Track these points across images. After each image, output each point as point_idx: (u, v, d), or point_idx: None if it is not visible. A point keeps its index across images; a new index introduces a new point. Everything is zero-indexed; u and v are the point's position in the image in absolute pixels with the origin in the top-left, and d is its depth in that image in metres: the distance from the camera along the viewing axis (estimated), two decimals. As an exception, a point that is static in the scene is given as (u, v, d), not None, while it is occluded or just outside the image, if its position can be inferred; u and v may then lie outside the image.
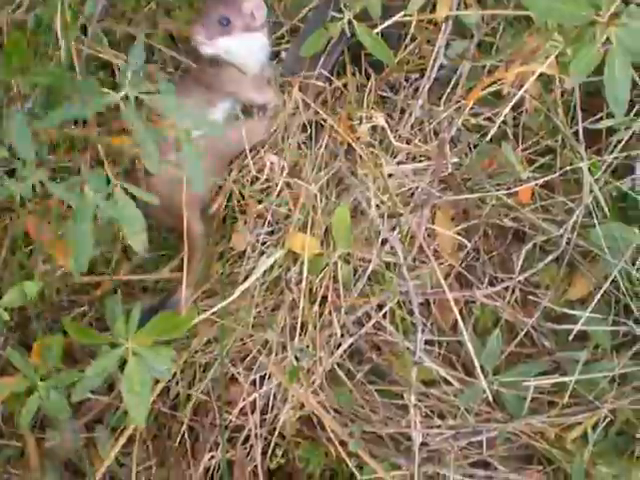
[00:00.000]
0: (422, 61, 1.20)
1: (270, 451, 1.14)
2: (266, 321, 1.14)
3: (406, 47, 1.20)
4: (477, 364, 1.07)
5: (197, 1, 1.32)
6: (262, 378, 1.13)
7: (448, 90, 1.17)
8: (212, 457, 1.13)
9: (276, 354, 1.13)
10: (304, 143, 1.19)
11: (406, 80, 1.21)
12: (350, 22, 1.11)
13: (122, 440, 1.09)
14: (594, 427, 1.07)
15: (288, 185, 1.16)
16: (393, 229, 1.13)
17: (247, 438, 1.13)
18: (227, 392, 1.13)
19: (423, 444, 1.09)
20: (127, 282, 1.20)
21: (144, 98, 0.88)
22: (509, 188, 1.13)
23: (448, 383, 1.12)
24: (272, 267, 1.13)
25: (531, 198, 1.14)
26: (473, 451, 1.11)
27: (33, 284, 1.01)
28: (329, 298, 1.12)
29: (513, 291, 1.14)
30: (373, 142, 1.16)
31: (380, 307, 1.13)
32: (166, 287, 1.20)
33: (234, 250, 1.17)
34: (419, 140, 1.18)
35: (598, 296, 1.07)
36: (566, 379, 1.07)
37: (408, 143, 1.18)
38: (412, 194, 1.16)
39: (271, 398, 1.13)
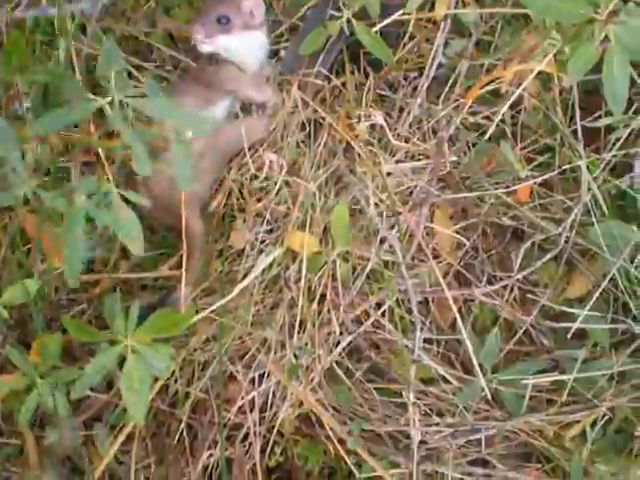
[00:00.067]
0: (421, 60, 1.21)
1: (269, 449, 1.14)
2: (265, 319, 1.14)
3: (405, 46, 1.20)
4: (476, 362, 1.07)
5: (196, 0, 1.32)
6: (261, 376, 1.13)
7: (447, 89, 1.18)
8: (211, 455, 1.13)
9: (275, 352, 1.13)
10: (303, 141, 1.19)
11: (405, 79, 1.22)
12: (349, 21, 1.11)
13: (121, 438, 1.09)
14: (593, 425, 1.07)
15: (287, 183, 1.16)
16: (392, 227, 1.13)
17: (246, 436, 1.13)
18: (226, 390, 1.13)
19: (422, 442, 1.09)
20: (126, 280, 1.20)
21: (130, 102, 0.86)
22: (508, 187, 1.13)
23: (447, 381, 1.12)
24: (271, 265, 1.14)
25: (530, 196, 1.14)
26: (472, 449, 1.11)
27: (32, 282, 1.01)
28: (328, 296, 1.12)
29: (512, 289, 1.14)
30: (372, 140, 1.17)
31: (379, 305, 1.13)
32: (165, 285, 1.21)
33: (233, 248, 1.18)
34: (418, 139, 1.18)
35: (597, 294, 1.07)
36: (565, 377, 1.07)
37: (407, 142, 1.18)
38: (411, 192, 1.16)
39: (270, 396, 1.13)
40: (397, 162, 1.17)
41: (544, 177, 1.12)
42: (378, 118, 1.16)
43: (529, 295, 1.14)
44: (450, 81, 1.18)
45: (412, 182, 1.16)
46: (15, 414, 1.03)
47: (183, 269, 1.10)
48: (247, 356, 1.14)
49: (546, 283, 1.15)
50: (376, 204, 1.13)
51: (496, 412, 1.11)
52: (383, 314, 1.13)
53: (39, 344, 1.03)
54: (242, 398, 1.12)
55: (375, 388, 1.14)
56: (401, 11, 1.12)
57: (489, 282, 1.15)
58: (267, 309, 1.15)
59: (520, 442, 1.11)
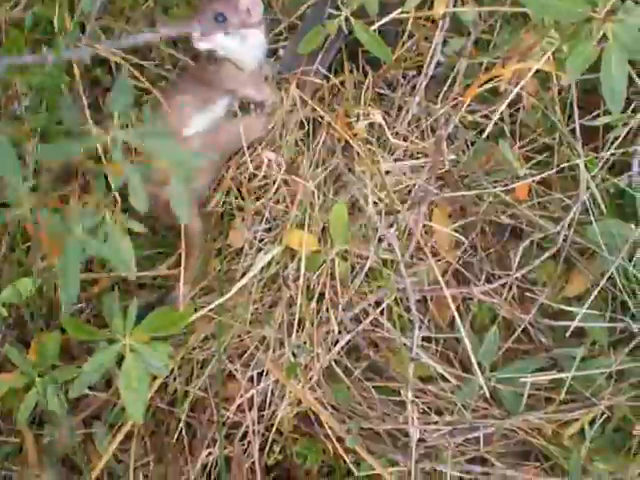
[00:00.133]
0: (419, 58, 1.21)
1: (268, 447, 1.14)
2: (263, 318, 1.14)
3: (403, 44, 1.20)
4: (474, 361, 1.07)
5: (195, -1, 1.32)
6: (259, 375, 1.13)
7: (445, 87, 1.18)
8: (210, 453, 1.13)
9: (274, 351, 1.13)
10: (301, 140, 1.19)
11: (403, 77, 1.22)
12: (347, 19, 1.11)
13: (120, 436, 1.09)
14: (591, 423, 1.07)
15: (286, 182, 1.16)
16: (390, 226, 1.13)
17: (245, 434, 1.13)
18: (224, 389, 1.13)
19: (420, 440, 1.09)
20: (124, 279, 1.20)
21: (131, 141, 0.86)
22: (506, 185, 1.13)
23: (445, 380, 1.12)
24: (270, 264, 1.14)
25: (528, 195, 1.14)
26: (470, 447, 1.11)
27: (30, 281, 1.01)
28: (326, 295, 1.12)
29: (510, 288, 1.14)
30: (370, 139, 1.17)
31: (377, 304, 1.13)
32: (164, 284, 1.21)
33: (232, 247, 1.18)
34: (416, 137, 1.18)
35: (595, 293, 1.08)
36: (563, 375, 1.07)
37: (405, 140, 1.18)
38: (409, 191, 1.16)
39: (268, 394, 1.13)
40: (396, 161, 1.17)
41: (543, 175, 1.12)
42: (377, 117, 1.16)
43: (528, 293, 1.14)
44: (449, 80, 1.18)
45: (411, 180, 1.16)
46: (14, 413, 1.03)
47: (182, 268, 1.10)
48: (246, 354, 1.14)
49: (545, 281, 1.15)
50: (375, 203, 1.13)
51: (494, 410, 1.11)
52: (382, 312, 1.13)
53: (38, 343, 1.03)
54: (241, 396, 1.12)
55: (374, 386, 1.14)
56: (400, 9, 1.11)
57: (488, 280, 1.15)
58: (266, 308, 1.15)
59: (518, 440, 1.11)
